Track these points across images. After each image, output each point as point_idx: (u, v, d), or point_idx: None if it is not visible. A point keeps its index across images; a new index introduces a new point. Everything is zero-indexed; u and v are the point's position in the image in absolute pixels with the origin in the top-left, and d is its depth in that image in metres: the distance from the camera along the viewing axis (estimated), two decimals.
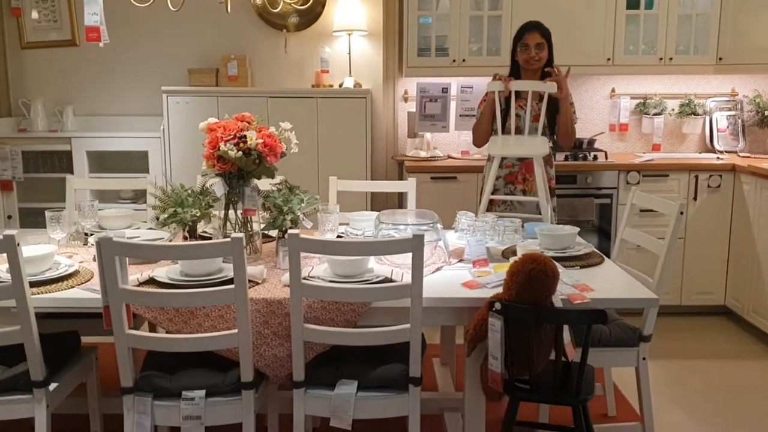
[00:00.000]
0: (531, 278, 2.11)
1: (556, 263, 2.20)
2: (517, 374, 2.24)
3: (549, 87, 3.50)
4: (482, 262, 2.60)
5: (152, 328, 3.24)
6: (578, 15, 4.58)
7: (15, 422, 2.38)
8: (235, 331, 2.22)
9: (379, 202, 4.82)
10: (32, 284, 2.31)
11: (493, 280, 2.41)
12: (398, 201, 4.97)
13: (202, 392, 2.28)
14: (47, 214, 2.73)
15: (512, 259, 2.57)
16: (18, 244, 2.14)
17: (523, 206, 3.68)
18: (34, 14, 5.10)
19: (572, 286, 2.35)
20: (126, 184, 3.97)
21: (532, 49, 3.61)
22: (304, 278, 2.31)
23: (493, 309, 2.14)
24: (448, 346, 3.40)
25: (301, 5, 2.85)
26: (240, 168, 2.70)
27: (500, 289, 2.28)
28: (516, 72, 3.73)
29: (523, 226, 2.96)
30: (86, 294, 2.35)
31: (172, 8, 2.86)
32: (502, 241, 2.83)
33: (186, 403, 2.27)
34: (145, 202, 4.76)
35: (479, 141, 3.81)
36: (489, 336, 2.17)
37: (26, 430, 3.03)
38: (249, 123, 2.77)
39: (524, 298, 2.13)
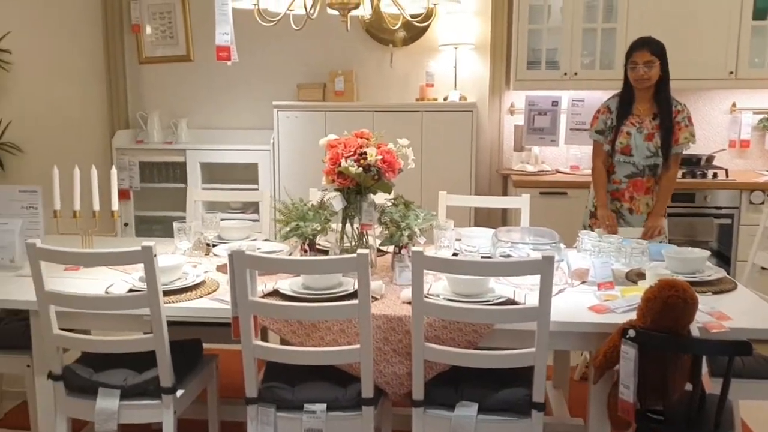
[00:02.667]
0: (668, 305, 2.01)
1: None
2: (650, 404, 2.14)
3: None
4: (608, 285, 2.52)
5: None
6: (699, 27, 4.40)
7: (137, 426, 2.46)
8: (358, 346, 2.22)
9: (481, 217, 4.77)
10: (164, 293, 2.39)
11: (622, 304, 2.32)
12: (502, 216, 4.90)
13: (324, 406, 2.30)
14: (175, 225, 2.83)
15: (641, 283, 2.49)
16: (155, 255, 2.22)
17: (629, 224, 3.58)
18: (149, 30, 5.33)
19: (708, 314, 2.23)
20: (241, 196, 4.08)
21: (640, 68, 3.48)
22: (426, 296, 2.29)
23: (627, 336, 2.06)
24: (562, 369, 3.31)
25: (419, 22, 2.84)
26: (358, 183, 2.72)
27: (631, 315, 2.19)
28: (628, 90, 3.60)
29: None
30: (214, 304, 2.41)
31: (294, 27, 2.91)
32: (628, 263, 2.73)
33: (308, 416, 2.29)
34: (253, 213, 4.90)
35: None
36: (621, 364, 2.09)
37: None
38: (368, 139, 2.79)
39: (660, 326, 2.04)
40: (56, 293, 2.33)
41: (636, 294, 2.32)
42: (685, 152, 3.64)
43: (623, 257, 2.76)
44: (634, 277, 2.65)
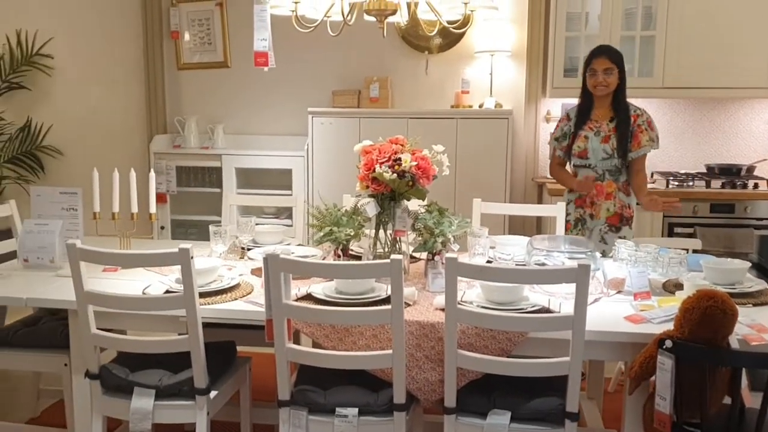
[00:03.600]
0: (707, 316, 1.98)
1: None
2: (686, 417, 2.10)
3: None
4: (644, 295, 2.48)
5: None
6: (740, 35, 4.33)
7: (170, 426, 2.48)
8: (390, 351, 2.22)
9: (516, 225, 4.74)
10: (200, 295, 2.41)
11: (659, 314, 2.29)
12: (536, 225, 4.87)
13: (355, 410, 2.30)
14: (211, 228, 2.86)
15: (678, 293, 2.45)
16: (192, 257, 2.24)
17: (590, 230, 3.61)
18: (187, 36, 5.41)
19: (748, 326, 2.19)
20: (276, 201, 4.12)
21: (599, 75, 3.53)
22: (459, 303, 2.28)
23: (664, 347, 2.03)
24: (596, 380, 3.26)
25: (456, 28, 2.84)
26: (392, 189, 2.72)
27: (668, 326, 2.16)
28: (587, 97, 3.65)
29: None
30: (249, 307, 2.44)
31: (331, 33, 2.94)
32: (665, 273, 2.69)
33: (340, 420, 2.29)
34: (286, 218, 4.94)
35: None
36: (657, 375, 2.06)
37: None
38: (402, 146, 2.79)
39: (698, 337, 2.00)
40: (95, 293, 2.37)
41: (673, 304, 2.29)
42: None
43: (660, 267, 2.72)
44: (672, 287, 2.60)
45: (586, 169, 3.61)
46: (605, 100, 3.61)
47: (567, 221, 3.64)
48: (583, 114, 3.65)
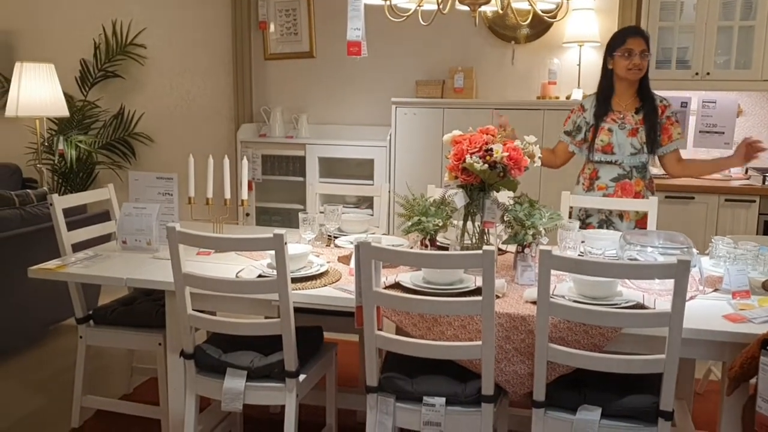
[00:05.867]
0: None
1: None
2: None
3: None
4: (743, 294, 2.39)
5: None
6: None
7: (256, 408, 2.52)
8: (480, 342, 2.21)
9: None
10: (291, 280, 2.46)
11: (760, 314, 2.20)
12: None
13: (443, 399, 2.31)
14: (300, 215, 2.91)
15: None
16: (286, 243, 2.29)
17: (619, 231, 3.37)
18: (272, 27, 5.51)
19: None
20: (361, 190, 4.15)
21: (637, 56, 3.22)
22: (552, 296, 2.25)
23: (767, 348, 1.95)
24: (686, 379, 3.16)
25: (550, 17, 2.80)
26: (482, 180, 2.70)
27: None
28: (608, 85, 3.36)
29: None
30: (338, 293, 2.47)
31: (422, 22, 2.93)
32: (766, 272, 2.58)
33: (427, 409, 2.30)
34: (367, 207, 4.98)
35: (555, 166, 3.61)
36: (759, 376, 1.98)
37: (266, 415, 3.28)
38: (493, 136, 2.76)
39: None
40: (193, 275, 2.45)
41: None
42: None
43: (761, 265, 2.61)
44: None
45: (611, 165, 3.35)
46: (630, 89, 3.32)
47: (588, 223, 3.42)
48: (604, 104, 3.35)
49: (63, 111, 5.19)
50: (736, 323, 2.20)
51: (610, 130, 3.34)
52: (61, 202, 3.14)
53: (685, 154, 4.62)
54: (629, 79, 3.29)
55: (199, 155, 3.26)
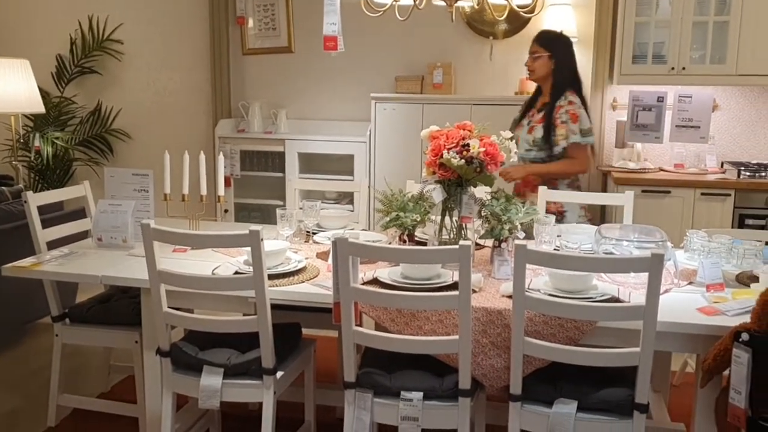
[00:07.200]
0: None
1: None
2: (761, 411, 2.05)
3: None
4: (717, 287, 2.42)
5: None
6: None
7: (235, 405, 2.52)
8: (456, 337, 2.22)
9: None
10: (268, 277, 2.45)
11: (733, 307, 2.23)
12: (601, 214, 4.78)
13: (420, 394, 2.31)
14: (278, 211, 2.90)
15: (754, 286, 2.39)
16: (262, 240, 2.28)
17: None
18: (251, 23, 5.47)
19: None
20: (340, 186, 4.15)
21: (529, 58, 3.65)
22: (527, 290, 2.26)
23: (740, 340, 1.97)
24: (662, 371, 3.19)
25: (527, 12, 2.80)
26: (459, 176, 2.70)
27: (743, 318, 2.10)
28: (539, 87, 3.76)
29: None
30: (316, 289, 2.47)
31: (399, 17, 2.93)
32: (740, 265, 2.61)
33: (405, 404, 2.30)
34: (347, 203, 4.97)
35: None
36: (732, 368, 2.01)
37: (245, 412, 3.27)
38: (470, 131, 2.77)
39: None
40: (168, 272, 2.43)
41: (749, 297, 2.23)
42: None
43: (734, 258, 2.64)
44: (746, 279, 2.53)
45: (520, 160, 3.63)
46: (545, 89, 3.66)
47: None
48: (530, 101, 3.76)
49: (39, 107, 5.12)
50: (710, 316, 2.22)
51: (521, 125, 3.72)
52: (36, 200, 3.11)
53: (652, 149, 4.70)
54: (529, 79, 3.79)
55: (177, 151, 3.24)
